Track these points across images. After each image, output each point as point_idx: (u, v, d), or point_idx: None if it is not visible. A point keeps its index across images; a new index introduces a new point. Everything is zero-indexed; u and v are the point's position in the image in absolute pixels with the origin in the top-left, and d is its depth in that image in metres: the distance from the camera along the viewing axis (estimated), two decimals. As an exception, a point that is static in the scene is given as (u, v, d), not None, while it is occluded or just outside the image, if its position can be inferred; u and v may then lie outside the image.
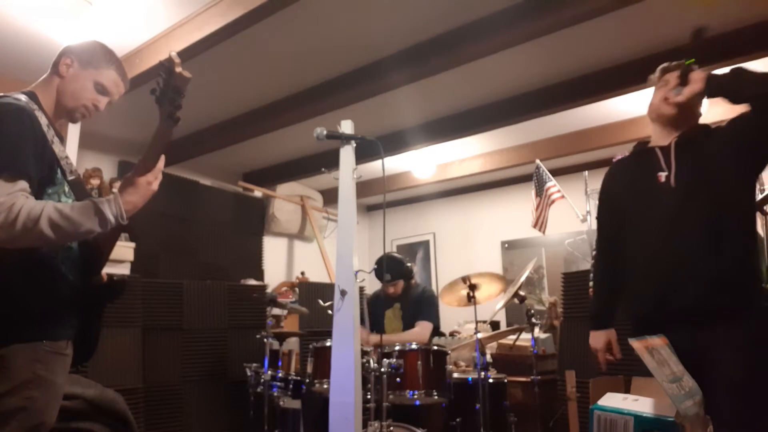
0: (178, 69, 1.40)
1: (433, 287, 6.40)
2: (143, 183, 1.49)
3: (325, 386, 2.83)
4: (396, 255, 3.82)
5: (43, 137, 1.46)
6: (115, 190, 1.68)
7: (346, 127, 1.96)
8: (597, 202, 2.13)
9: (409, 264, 3.73)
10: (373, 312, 3.68)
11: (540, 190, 4.65)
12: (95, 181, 4.20)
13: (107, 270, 1.71)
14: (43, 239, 1.34)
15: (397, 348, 2.86)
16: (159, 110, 1.46)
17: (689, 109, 1.81)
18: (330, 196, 6.46)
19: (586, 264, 4.67)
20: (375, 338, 3.28)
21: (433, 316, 3.65)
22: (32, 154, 1.40)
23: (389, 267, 3.64)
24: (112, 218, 1.41)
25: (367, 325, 3.60)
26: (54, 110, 1.60)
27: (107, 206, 1.41)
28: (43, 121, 1.50)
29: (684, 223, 1.71)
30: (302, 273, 5.94)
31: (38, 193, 1.43)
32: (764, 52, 3.13)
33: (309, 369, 3.02)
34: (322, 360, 2.90)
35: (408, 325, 3.64)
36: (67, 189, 1.55)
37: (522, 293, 3.33)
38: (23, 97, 1.49)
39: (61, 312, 1.50)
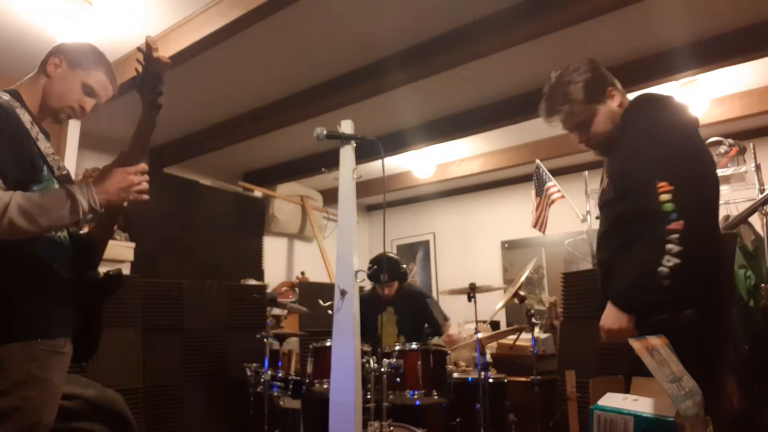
0: (156, 54, 1.38)
1: (433, 287, 6.40)
2: (119, 172, 1.47)
3: (325, 386, 2.84)
4: (393, 255, 3.81)
5: (24, 135, 1.44)
6: None
7: (346, 127, 1.96)
8: (598, 202, 2.14)
9: (404, 266, 3.71)
10: (366, 314, 3.64)
11: (540, 190, 4.65)
12: (95, 181, 4.19)
13: (107, 270, 1.70)
14: (16, 229, 1.31)
15: (397, 348, 2.87)
16: (141, 98, 1.44)
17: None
18: (330, 196, 6.46)
19: (587, 264, 4.67)
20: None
21: (442, 313, 3.74)
22: (8, 150, 1.38)
23: (387, 267, 3.62)
24: (85, 203, 1.39)
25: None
26: (39, 109, 1.57)
27: (79, 191, 1.39)
28: (26, 118, 1.48)
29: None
30: (302, 273, 5.94)
31: (24, 191, 1.41)
32: (760, 53, 3.13)
33: (309, 369, 3.02)
34: (322, 360, 2.90)
35: (403, 329, 3.63)
36: (56, 186, 1.53)
37: (522, 293, 3.32)
38: (5, 95, 1.47)
39: (55, 310, 1.48)
